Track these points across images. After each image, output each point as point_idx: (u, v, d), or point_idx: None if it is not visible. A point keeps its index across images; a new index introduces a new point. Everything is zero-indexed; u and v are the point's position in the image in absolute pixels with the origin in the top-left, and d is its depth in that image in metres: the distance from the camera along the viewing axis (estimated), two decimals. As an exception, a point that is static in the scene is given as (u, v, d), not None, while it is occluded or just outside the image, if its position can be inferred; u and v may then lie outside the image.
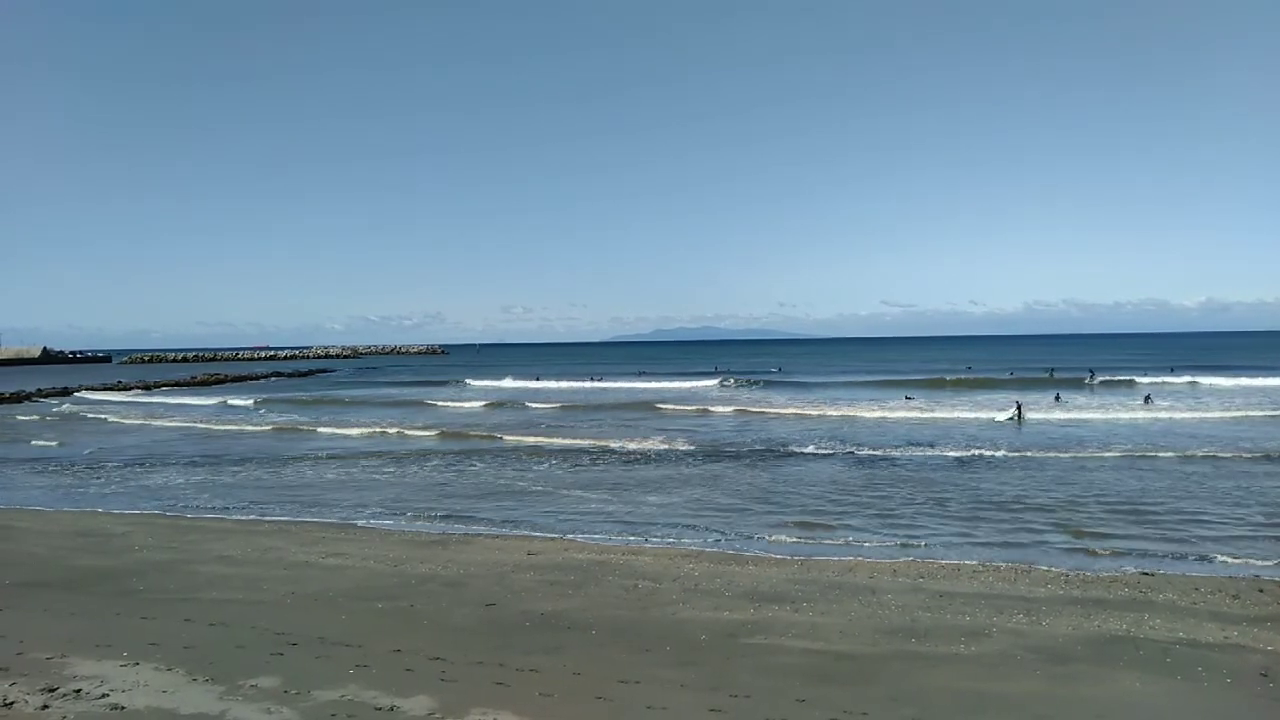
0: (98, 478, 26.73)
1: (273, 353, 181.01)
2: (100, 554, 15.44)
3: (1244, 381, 55.07)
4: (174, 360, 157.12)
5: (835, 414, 43.28)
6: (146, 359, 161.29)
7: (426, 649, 9.57)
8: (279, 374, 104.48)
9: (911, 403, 48.49)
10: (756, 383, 63.80)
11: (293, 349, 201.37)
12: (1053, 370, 63.04)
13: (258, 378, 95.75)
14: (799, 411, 44.79)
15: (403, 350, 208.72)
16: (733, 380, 71.02)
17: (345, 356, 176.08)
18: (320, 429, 40.91)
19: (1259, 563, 14.41)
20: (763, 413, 44.98)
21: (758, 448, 30.63)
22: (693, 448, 31.01)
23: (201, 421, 45.82)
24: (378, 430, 39.35)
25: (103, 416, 49.20)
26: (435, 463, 28.57)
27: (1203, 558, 14.83)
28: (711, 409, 47.79)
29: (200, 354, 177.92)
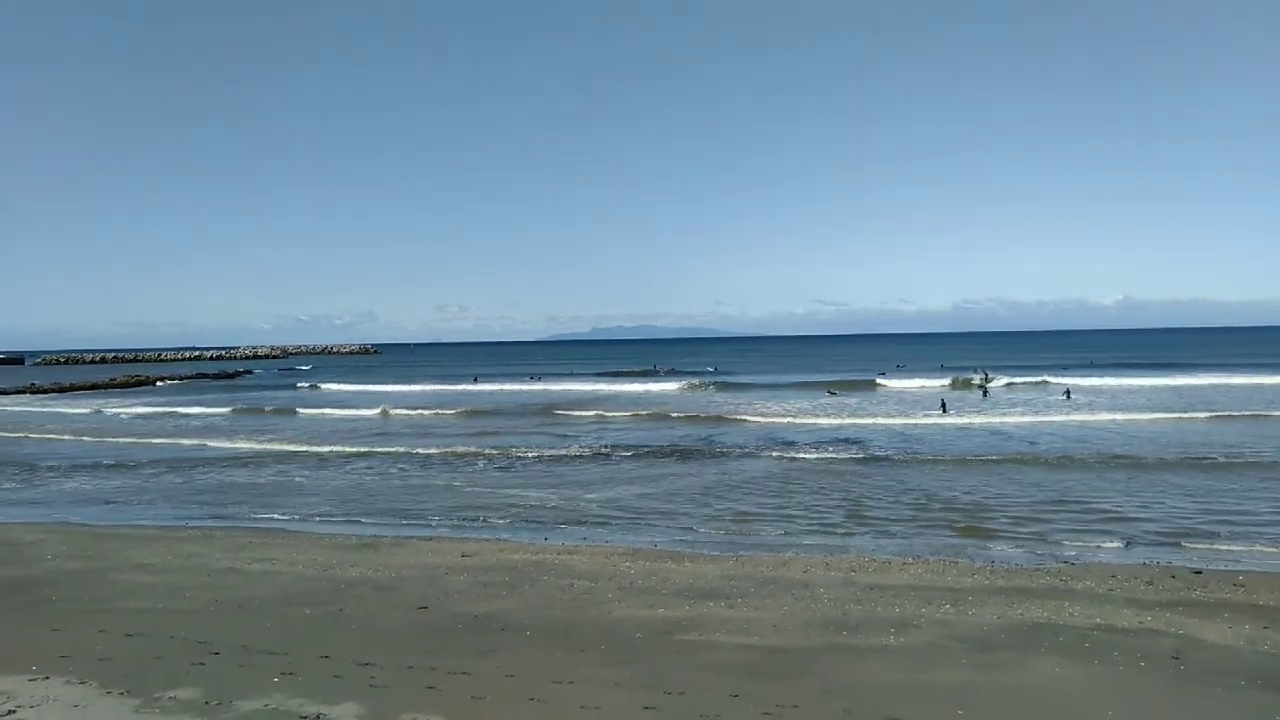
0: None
1: (197, 353, 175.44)
2: (8, 564, 14.73)
3: (1162, 381, 57.35)
4: (92, 361, 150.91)
5: (769, 411, 43.76)
6: (62, 360, 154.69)
7: (355, 654, 9.36)
8: (203, 375, 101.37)
9: (843, 401, 49.36)
10: (701, 385, 64.06)
11: (218, 349, 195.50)
12: (983, 371, 64.75)
13: (182, 378, 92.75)
14: (735, 409, 45.15)
15: (334, 350, 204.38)
16: (673, 380, 71.27)
17: (273, 357, 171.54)
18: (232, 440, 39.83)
19: (1171, 551, 15.02)
20: (695, 415, 45.18)
21: (693, 447, 30.81)
22: (615, 447, 31.06)
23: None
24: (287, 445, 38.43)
25: None
26: (362, 464, 28.02)
27: (1121, 547, 15.42)
28: (648, 410, 47.90)
29: (120, 355, 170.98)
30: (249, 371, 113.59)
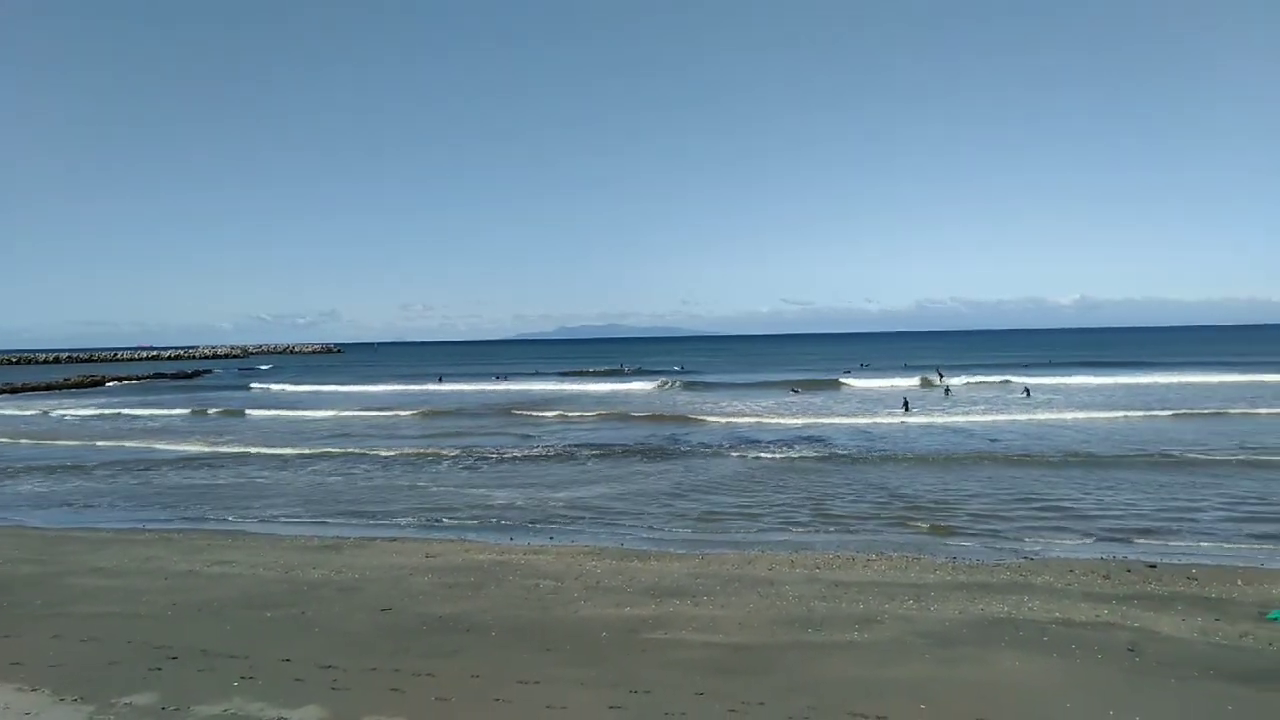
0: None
1: (155, 353, 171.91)
2: (-43, 569, 14.33)
3: (1119, 380, 58.47)
4: (44, 362, 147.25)
5: (735, 410, 43.92)
6: (14, 360, 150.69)
7: (317, 657, 9.24)
8: (161, 375, 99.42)
9: (808, 400, 49.75)
10: (668, 385, 64.10)
11: (177, 349, 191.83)
12: (938, 370, 65.48)
13: (138, 379, 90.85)
14: (701, 408, 45.26)
15: (296, 350, 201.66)
16: (641, 379, 71.28)
17: (234, 356, 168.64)
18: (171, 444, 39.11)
19: (1127, 545, 15.34)
20: (661, 415, 45.21)
21: (659, 446, 30.85)
22: (581, 447, 31.01)
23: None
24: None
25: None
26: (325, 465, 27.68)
27: (1079, 542, 15.71)
28: (615, 409, 47.85)
29: (74, 354, 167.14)
30: (208, 371, 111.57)
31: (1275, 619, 10.52)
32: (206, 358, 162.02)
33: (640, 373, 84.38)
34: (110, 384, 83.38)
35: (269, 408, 52.28)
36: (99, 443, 35.81)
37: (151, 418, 47.81)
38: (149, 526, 18.69)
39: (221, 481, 25.16)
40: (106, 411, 51.27)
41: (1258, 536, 15.73)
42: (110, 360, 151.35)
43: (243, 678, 8.55)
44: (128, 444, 35.25)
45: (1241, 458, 24.37)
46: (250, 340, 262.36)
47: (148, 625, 10.78)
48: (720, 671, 8.77)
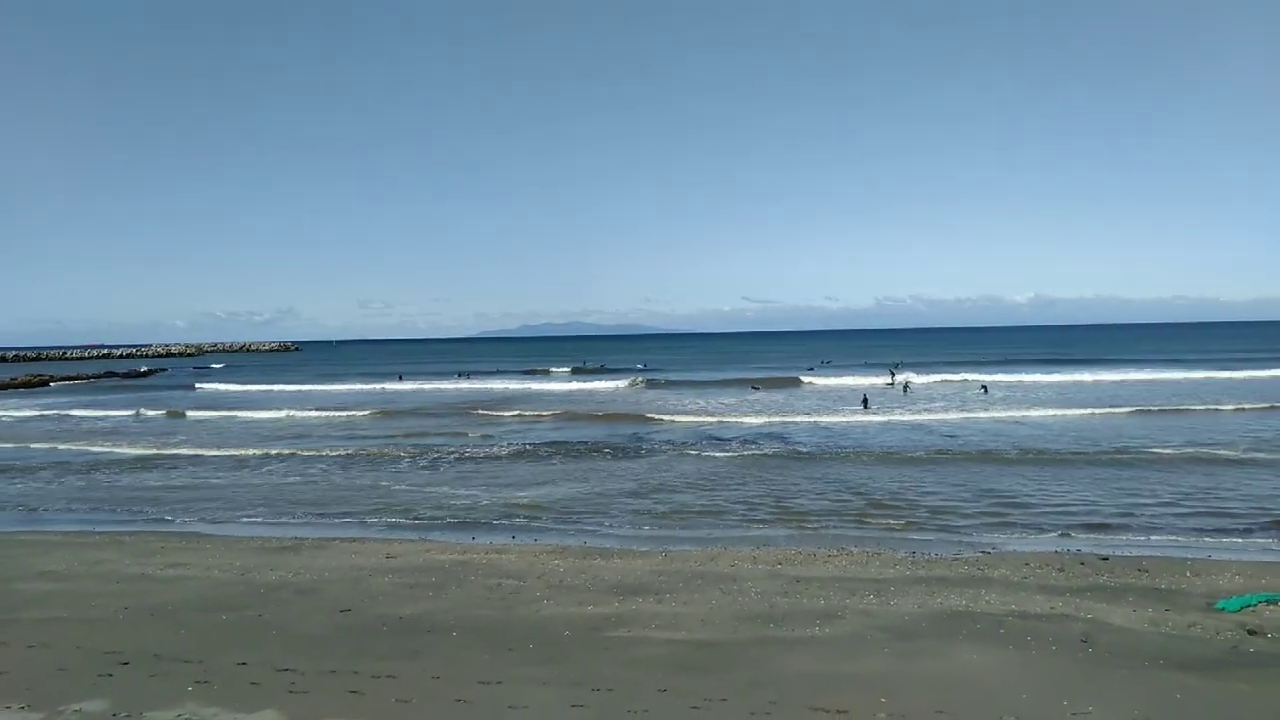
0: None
1: (106, 351, 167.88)
2: (-103, 575, 13.87)
3: (1073, 377, 59.69)
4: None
5: (697, 408, 44.06)
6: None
7: (275, 660, 9.09)
8: (112, 374, 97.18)
9: (769, 398, 50.08)
10: (631, 382, 64.06)
11: (129, 347, 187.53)
12: (891, 369, 66.28)
13: (87, 378, 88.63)
14: (664, 406, 45.32)
15: (253, 348, 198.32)
16: (604, 378, 71.22)
17: (187, 355, 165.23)
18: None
19: (1082, 539, 15.65)
20: (624, 413, 45.21)
21: (622, 444, 30.84)
22: (544, 445, 30.91)
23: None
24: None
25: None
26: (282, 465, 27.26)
27: (1035, 536, 16.01)
28: (578, 407, 47.75)
29: (21, 354, 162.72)
30: (162, 370, 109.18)
31: (1223, 609, 10.81)
32: (160, 356, 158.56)
33: (603, 371, 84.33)
34: (54, 384, 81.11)
35: (221, 408, 50.88)
36: (38, 445, 34.72)
37: (98, 419, 46.42)
38: (99, 529, 18.26)
39: (175, 483, 24.65)
40: (49, 412, 49.55)
41: (1206, 530, 16.15)
42: (59, 359, 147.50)
43: (197, 682, 8.38)
44: (71, 446, 34.24)
45: (1191, 453, 24.98)
46: (205, 338, 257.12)
47: (98, 630, 10.52)
48: (683, 668, 8.78)
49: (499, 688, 8.22)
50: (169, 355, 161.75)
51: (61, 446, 33.93)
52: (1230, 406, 38.41)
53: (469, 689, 8.17)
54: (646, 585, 12.47)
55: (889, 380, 58.96)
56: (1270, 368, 61.67)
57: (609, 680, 8.39)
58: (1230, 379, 55.43)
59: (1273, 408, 37.39)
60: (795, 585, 12.29)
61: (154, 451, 31.71)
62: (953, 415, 38.12)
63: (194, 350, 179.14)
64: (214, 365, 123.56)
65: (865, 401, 43.01)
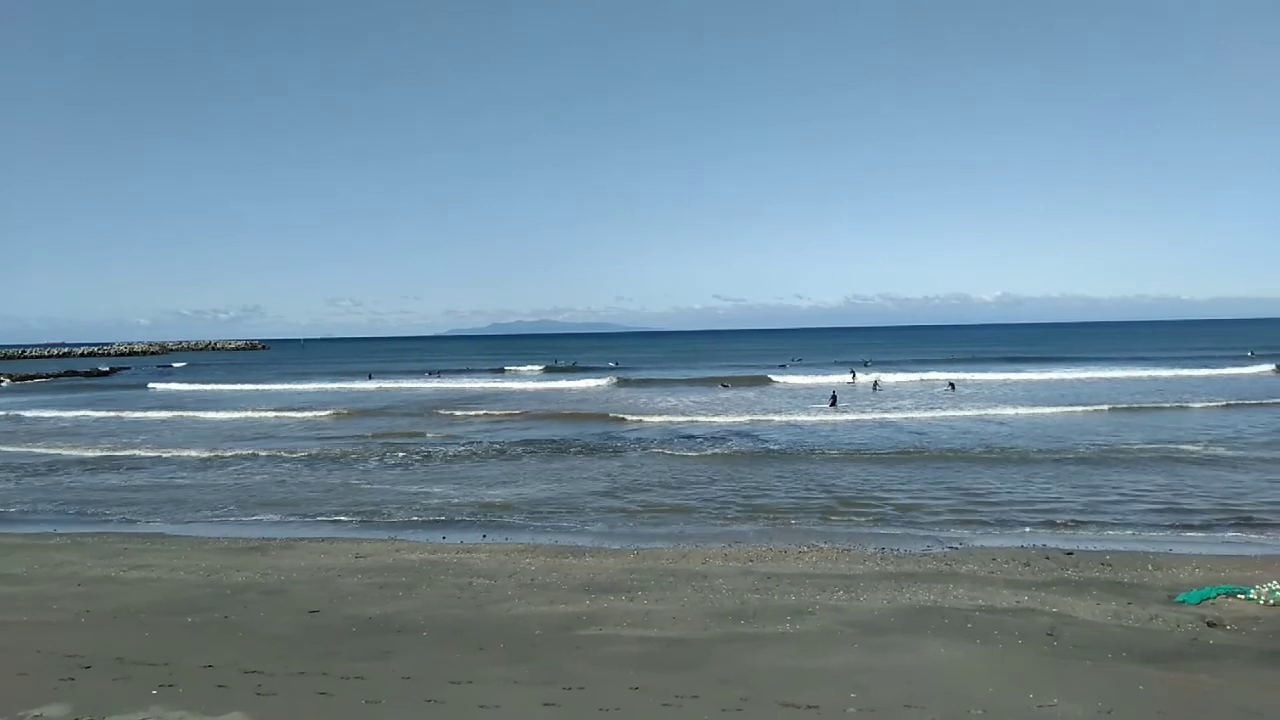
0: None
1: (67, 350, 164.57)
2: None
3: (1040, 375, 60.61)
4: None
5: (668, 406, 44.15)
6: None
7: (242, 662, 8.97)
8: (73, 372, 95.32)
9: (739, 396, 50.32)
10: (602, 381, 63.93)
11: (90, 345, 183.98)
12: (852, 368, 66.77)
13: (47, 377, 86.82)
14: (635, 404, 45.35)
15: (218, 346, 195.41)
16: (575, 376, 71.08)
17: (151, 353, 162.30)
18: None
19: (1047, 534, 15.91)
20: (595, 411, 45.17)
21: (593, 442, 30.83)
22: (514, 444, 30.82)
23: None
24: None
25: None
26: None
27: (1001, 531, 16.24)
28: (549, 406, 47.64)
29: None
30: (124, 369, 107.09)
31: (1183, 602, 11.03)
32: (122, 355, 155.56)
33: (574, 369, 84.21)
34: (13, 383, 79.18)
35: (183, 408, 49.93)
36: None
37: (57, 419, 45.31)
38: (60, 531, 17.91)
39: (137, 483, 24.25)
40: (6, 413, 48.04)
41: (1168, 524, 16.48)
42: (18, 358, 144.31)
43: (162, 685, 8.25)
44: (29, 447, 33.46)
45: (1154, 450, 25.45)
46: (169, 337, 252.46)
47: (59, 634, 10.31)
48: (654, 666, 8.79)
49: (470, 687, 8.18)
50: (132, 354, 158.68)
51: (19, 448, 33.19)
52: (1191, 404, 39.17)
53: (439, 689, 8.12)
54: (618, 583, 12.48)
55: (849, 379, 59.31)
56: (1228, 366, 63.04)
57: (580, 678, 8.38)
58: (1190, 376, 56.60)
59: (1231, 405, 38.15)
60: (766, 582, 12.36)
61: (114, 453, 31.14)
62: (921, 413, 38.48)
63: (158, 348, 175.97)
64: (175, 364, 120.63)
65: (834, 399, 43.29)
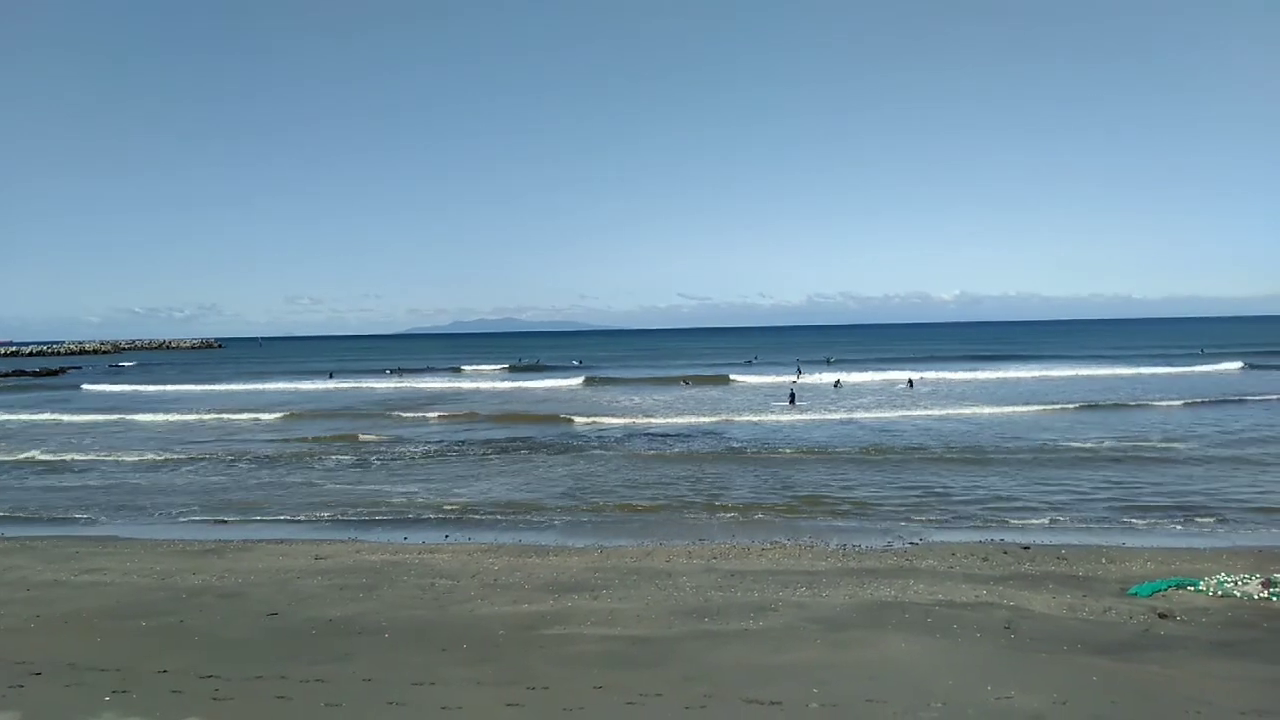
0: None
1: (15, 349, 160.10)
2: None
3: (997, 374, 61.64)
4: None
5: (632, 405, 44.18)
6: None
7: (198, 667, 8.80)
8: (21, 372, 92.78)
9: (702, 395, 50.51)
10: (566, 379, 63.76)
11: (39, 344, 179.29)
12: (797, 367, 67.23)
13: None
14: (599, 402, 45.31)
15: (173, 345, 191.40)
16: (538, 375, 70.82)
17: (103, 352, 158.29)
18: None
19: (1004, 529, 16.18)
20: (558, 410, 45.05)
21: (556, 441, 30.78)
22: (477, 443, 30.66)
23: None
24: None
25: None
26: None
27: (960, 526, 16.50)
28: (512, 404, 47.42)
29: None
30: (75, 368, 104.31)
31: (1135, 594, 11.29)
32: (73, 354, 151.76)
33: (539, 368, 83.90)
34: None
35: (133, 410, 48.91)
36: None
37: (4, 422, 44.17)
38: (7, 535, 17.45)
39: (92, 483, 23.71)
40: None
41: (1121, 519, 16.86)
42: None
43: (115, 691, 8.07)
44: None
45: (1109, 447, 25.96)
46: (122, 335, 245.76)
47: (8, 640, 10.04)
48: (618, 664, 8.79)
49: (432, 689, 8.11)
50: (83, 353, 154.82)
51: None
52: (1145, 402, 40.01)
53: (401, 690, 8.05)
54: (582, 582, 12.46)
55: (794, 378, 59.18)
56: (1180, 365, 64.56)
57: (544, 678, 8.35)
58: (1139, 374, 57.93)
59: (1190, 404, 38.94)
60: (729, 579, 12.41)
61: (59, 456, 30.37)
62: (882, 412, 38.87)
63: (110, 347, 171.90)
64: (123, 364, 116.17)
65: (792, 397, 43.62)
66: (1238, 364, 62.82)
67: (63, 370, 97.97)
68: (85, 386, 69.16)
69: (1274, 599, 10.89)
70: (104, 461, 28.30)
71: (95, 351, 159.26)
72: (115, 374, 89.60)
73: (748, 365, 75.13)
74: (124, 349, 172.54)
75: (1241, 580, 11.48)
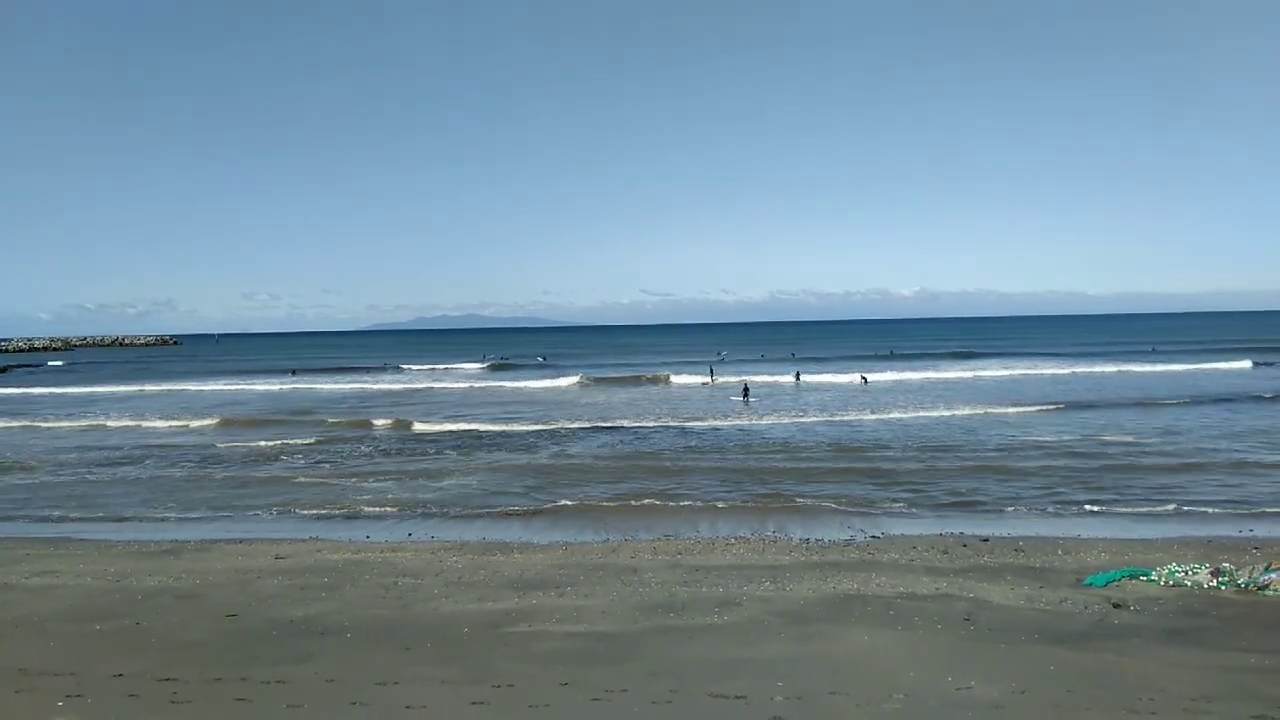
0: None
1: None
2: None
3: (955, 374, 62.50)
4: None
5: (596, 401, 44.14)
6: None
7: (155, 670, 8.64)
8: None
9: (665, 392, 50.75)
10: (529, 375, 63.41)
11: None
12: (713, 365, 67.33)
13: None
14: (563, 400, 45.13)
15: (127, 342, 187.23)
16: (502, 373, 70.40)
17: (54, 349, 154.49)
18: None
19: (964, 522, 16.45)
20: (522, 407, 44.88)
21: (520, 438, 30.68)
22: (440, 440, 30.47)
23: None
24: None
25: None
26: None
27: (921, 520, 16.75)
28: (474, 402, 47.11)
29: None
30: (20, 366, 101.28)
31: (1090, 585, 11.55)
32: (21, 351, 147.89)
33: (502, 364, 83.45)
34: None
35: (37, 416, 47.82)
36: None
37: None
38: (-45, 537, 16.95)
39: (41, 480, 23.10)
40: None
41: (1076, 512, 17.24)
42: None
43: (69, 696, 7.89)
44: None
45: (1067, 442, 26.45)
46: (74, 332, 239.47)
47: (-45, 646, 9.77)
48: (584, 661, 8.79)
49: (396, 688, 8.04)
50: (31, 350, 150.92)
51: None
52: (1102, 399, 40.83)
53: (365, 691, 7.97)
54: (547, 579, 12.43)
55: (706, 380, 57.49)
56: (1136, 363, 65.67)
57: (509, 676, 8.32)
58: (1091, 372, 59.08)
59: (1141, 404, 39.78)
60: (695, 574, 12.47)
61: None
62: (844, 412, 39.17)
63: (60, 344, 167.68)
64: (54, 362, 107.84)
65: (746, 391, 44.20)
66: (1186, 365, 63.67)
67: (6, 369, 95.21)
68: (97, 384, 64.92)
69: (1222, 588, 11.22)
70: (84, 458, 27.58)
71: (45, 348, 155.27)
72: (43, 374, 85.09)
73: (718, 359, 75.36)
74: (75, 346, 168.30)
75: (1191, 570, 11.80)
